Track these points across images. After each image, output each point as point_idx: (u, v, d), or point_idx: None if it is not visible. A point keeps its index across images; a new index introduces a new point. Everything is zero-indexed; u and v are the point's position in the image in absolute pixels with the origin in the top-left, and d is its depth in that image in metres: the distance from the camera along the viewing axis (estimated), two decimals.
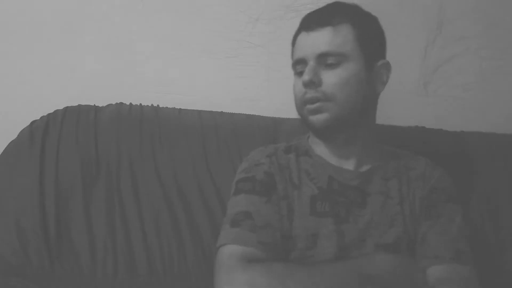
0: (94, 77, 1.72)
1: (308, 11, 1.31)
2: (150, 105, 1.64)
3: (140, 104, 1.64)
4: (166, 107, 1.64)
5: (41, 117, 1.57)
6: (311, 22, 1.25)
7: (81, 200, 1.46)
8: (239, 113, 1.66)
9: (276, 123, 1.64)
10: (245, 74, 1.76)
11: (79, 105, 1.61)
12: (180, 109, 1.64)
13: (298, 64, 1.27)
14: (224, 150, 1.57)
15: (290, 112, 1.70)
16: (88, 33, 1.72)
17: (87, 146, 1.52)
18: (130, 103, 1.63)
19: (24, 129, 1.54)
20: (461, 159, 1.58)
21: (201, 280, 1.42)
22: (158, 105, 1.64)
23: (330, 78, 1.22)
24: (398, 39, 1.77)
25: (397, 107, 1.78)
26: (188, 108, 1.65)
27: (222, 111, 1.66)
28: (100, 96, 1.65)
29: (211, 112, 1.65)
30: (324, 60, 1.22)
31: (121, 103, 1.63)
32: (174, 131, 1.58)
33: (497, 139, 1.65)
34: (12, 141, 1.52)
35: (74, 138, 1.53)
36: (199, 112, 1.64)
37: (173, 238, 1.46)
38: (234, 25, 1.73)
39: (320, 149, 1.33)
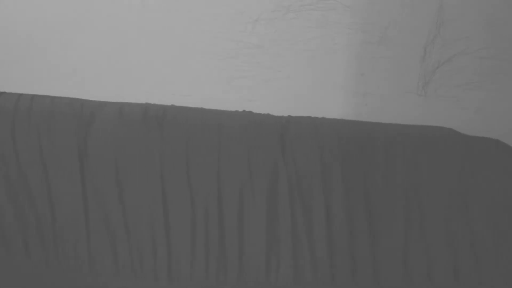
0: (93, 77, 1.72)
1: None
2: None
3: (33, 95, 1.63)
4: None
5: None
6: None
7: None
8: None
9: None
10: (245, 74, 1.76)
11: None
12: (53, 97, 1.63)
13: None
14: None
15: (289, 112, 1.71)
16: (88, 32, 1.72)
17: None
18: (20, 94, 1.62)
19: None
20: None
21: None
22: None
23: None
24: (398, 39, 1.77)
25: (397, 107, 1.78)
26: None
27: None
28: (99, 95, 1.65)
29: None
30: None
31: (3, 92, 1.62)
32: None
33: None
34: None
35: None
36: (52, 98, 1.63)
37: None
38: (233, 26, 1.73)
39: None
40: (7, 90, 1.66)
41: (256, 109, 1.70)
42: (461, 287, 1.54)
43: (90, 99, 1.65)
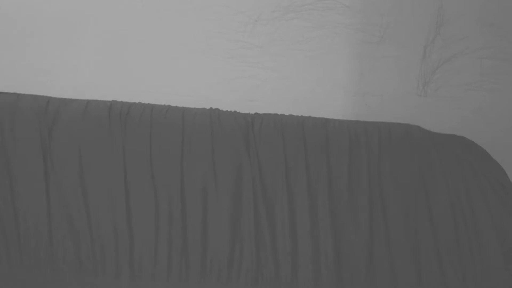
0: (93, 77, 1.72)
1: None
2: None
3: None
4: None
5: None
6: None
7: None
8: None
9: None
10: (245, 75, 1.76)
11: None
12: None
13: None
14: None
15: (289, 112, 1.71)
16: (88, 32, 1.72)
17: None
18: None
19: None
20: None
21: None
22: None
23: None
24: (398, 39, 1.77)
25: (397, 107, 1.78)
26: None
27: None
28: (99, 95, 1.65)
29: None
30: None
31: None
32: None
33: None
34: None
35: None
36: (17, 95, 1.62)
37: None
38: (233, 26, 1.73)
39: None
40: (6, 90, 1.66)
41: (256, 109, 1.70)
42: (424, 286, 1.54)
43: (90, 99, 1.65)
